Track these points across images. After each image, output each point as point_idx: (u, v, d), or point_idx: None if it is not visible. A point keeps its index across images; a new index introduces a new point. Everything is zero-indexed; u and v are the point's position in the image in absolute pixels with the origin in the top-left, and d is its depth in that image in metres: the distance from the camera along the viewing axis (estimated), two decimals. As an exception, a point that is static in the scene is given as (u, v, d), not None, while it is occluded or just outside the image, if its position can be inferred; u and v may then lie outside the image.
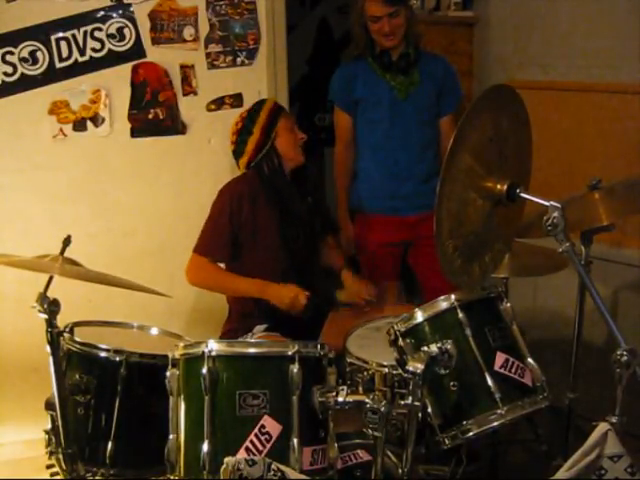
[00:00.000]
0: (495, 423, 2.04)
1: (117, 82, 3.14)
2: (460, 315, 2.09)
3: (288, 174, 2.91)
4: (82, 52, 3.08)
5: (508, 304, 2.19)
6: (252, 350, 1.96)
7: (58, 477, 2.31)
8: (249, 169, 2.91)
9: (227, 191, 2.83)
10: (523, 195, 1.97)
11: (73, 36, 3.05)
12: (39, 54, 3.03)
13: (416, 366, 1.92)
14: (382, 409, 1.84)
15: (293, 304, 2.66)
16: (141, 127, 3.20)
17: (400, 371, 2.06)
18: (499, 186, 1.98)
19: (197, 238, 2.80)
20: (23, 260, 2.33)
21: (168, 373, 1.99)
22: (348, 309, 2.99)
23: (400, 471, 2.01)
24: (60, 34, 3.04)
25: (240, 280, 2.76)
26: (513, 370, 2.09)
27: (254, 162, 2.88)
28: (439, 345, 2.05)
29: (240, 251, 2.80)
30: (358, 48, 3.21)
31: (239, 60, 3.26)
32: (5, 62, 3.00)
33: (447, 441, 2.08)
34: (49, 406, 2.24)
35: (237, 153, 2.92)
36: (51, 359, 2.11)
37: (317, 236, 3.00)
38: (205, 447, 1.86)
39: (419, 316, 2.12)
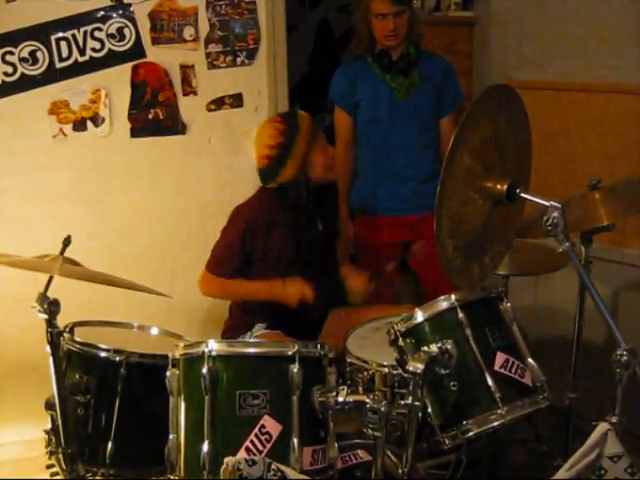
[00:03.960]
0: (495, 423, 2.04)
1: (117, 82, 3.14)
2: (460, 315, 2.09)
3: (311, 193, 2.80)
4: (82, 52, 3.07)
5: (508, 304, 2.19)
6: (252, 350, 1.97)
7: (58, 477, 2.31)
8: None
9: (243, 214, 2.78)
10: (523, 195, 1.97)
11: (73, 36, 3.05)
12: (39, 54, 3.03)
13: (416, 366, 1.92)
14: (382, 409, 1.84)
15: (302, 299, 2.67)
16: (141, 127, 3.19)
17: (400, 371, 2.07)
18: (499, 186, 1.98)
19: (210, 254, 2.79)
20: (23, 260, 2.33)
21: (168, 373, 1.99)
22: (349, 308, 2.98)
23: (400, 471, 2.01)
24: (60, 34, 3.04)
25: (248, 287, 2.75)
26: (513, 370, 2.09)
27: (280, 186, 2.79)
28: (439, 345, 2.05)
29: (250, 267, 2.78)
30: (360, 46, 3.21)
31: (239, 60, 3.26)
32: (5, 62, 2.99)
33: (447, 441, 2.08)
34: (49, 406, 2.24)
35: (264, 177, 2.81)
36: (51, 359, 2.10)
37: (330, 250, 2.96)
38: (205, 447, 1.86)
39: (419, 316, 2.12)
